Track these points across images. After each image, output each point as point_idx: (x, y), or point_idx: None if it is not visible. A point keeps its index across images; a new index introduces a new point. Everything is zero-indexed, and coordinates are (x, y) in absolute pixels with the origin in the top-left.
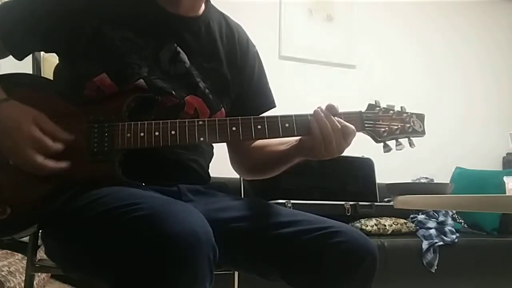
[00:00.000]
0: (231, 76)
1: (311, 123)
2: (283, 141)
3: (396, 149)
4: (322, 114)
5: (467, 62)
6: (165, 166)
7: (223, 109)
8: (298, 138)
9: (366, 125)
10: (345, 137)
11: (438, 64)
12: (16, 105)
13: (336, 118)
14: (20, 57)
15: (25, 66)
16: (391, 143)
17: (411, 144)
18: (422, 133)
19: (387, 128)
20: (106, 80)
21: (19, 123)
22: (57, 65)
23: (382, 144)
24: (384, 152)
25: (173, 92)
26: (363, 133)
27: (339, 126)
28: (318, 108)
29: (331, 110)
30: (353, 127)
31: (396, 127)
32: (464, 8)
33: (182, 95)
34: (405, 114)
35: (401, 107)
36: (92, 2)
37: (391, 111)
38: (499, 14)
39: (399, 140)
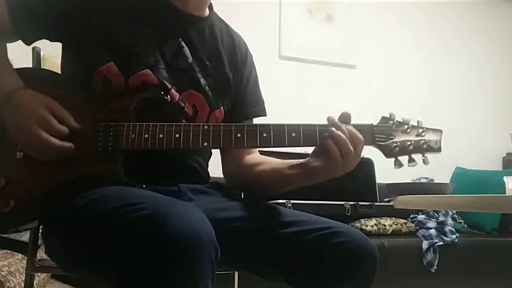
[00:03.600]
0: (232, 77)
1: (329, 145)
2: (284, 162)
3: (408, 166)
4: (339, 132)
5: (466, 62)
6: (166, 165)
7: (222, 107)
8: (301, 160)
9: (376, 139)
10: (355, 148)
11: (437, 64)
12: (31, 93)
13: (347, 127)
14: (28, 43)
15: (25, 65)
16: (403, 159)
17: (425, 161)
18: (438, 150)
19: (399, 144)
20: (113, 69)
21: (31, 106)
22: (62, 60)
23: (393, 159)
24: (395, 167)
25: (174, 87)
26: (373, 147)
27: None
28: (329, 119)
29: (344, 119)
30: (361, 136)
31: (409, 143)
32: (463, 8)
33: (184, 89)
34: (420, 129)
35: (418, 121)
36: None
37: (406, 125)
38: (497, 14)
39: (412, 156)
